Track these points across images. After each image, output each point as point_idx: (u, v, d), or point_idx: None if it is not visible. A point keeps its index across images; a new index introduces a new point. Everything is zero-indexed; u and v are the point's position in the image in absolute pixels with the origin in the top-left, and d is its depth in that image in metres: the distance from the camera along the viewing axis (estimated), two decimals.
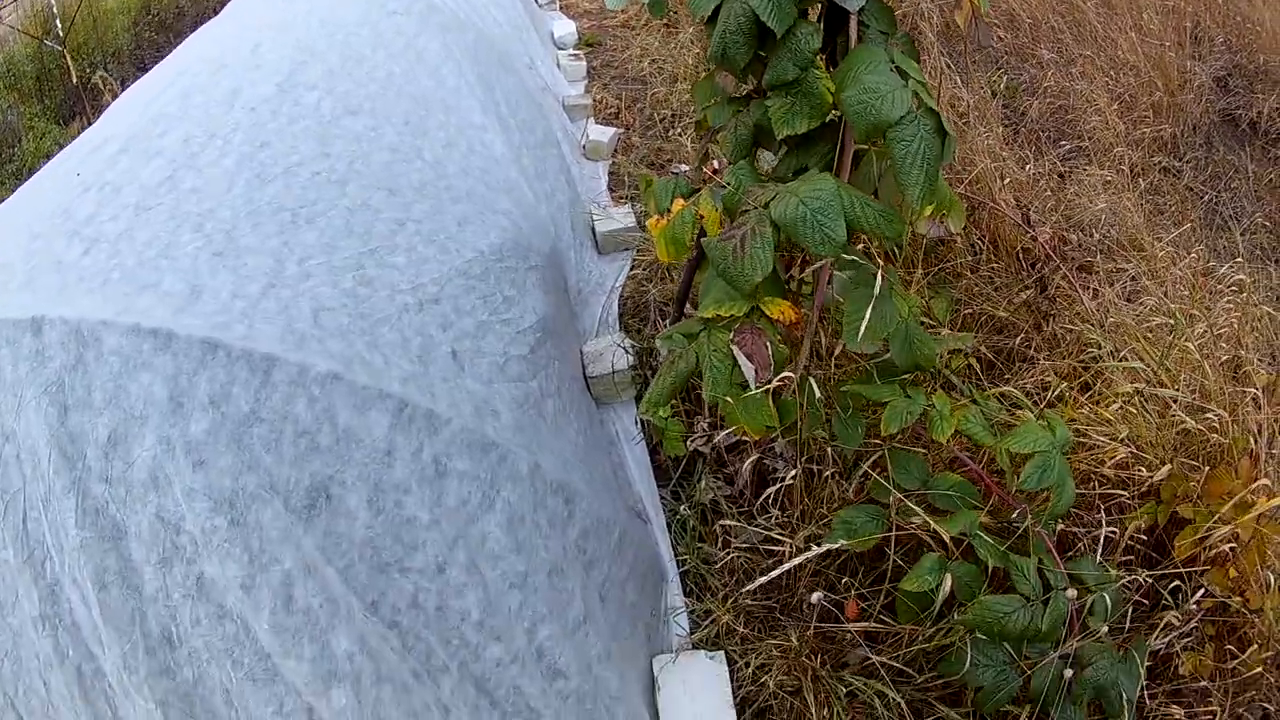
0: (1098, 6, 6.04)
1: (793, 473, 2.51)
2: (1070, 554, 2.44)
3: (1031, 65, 5.67)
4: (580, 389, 2.88)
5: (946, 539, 2.20)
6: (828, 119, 2.18)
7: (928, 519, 2.20)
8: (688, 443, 2.78)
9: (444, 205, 2.60)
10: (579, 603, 2.17)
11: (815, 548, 2.24)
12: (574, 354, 2.97)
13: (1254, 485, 2.36)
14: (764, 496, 2.61)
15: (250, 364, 1.79)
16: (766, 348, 2.21)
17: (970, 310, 3.57)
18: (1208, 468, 2.54)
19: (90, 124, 8.29)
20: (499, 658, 1.99)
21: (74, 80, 8.09)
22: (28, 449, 1.77)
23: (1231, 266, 3.61)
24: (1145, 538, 2.56)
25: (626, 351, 2.96)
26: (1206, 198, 4.92)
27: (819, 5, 2.17)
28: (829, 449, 2.56)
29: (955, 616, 2.21)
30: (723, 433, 2.69)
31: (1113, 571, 2.29)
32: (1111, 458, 2.64)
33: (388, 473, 1.87)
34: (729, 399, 2.18)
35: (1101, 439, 2.72)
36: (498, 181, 2.93)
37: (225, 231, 2.14)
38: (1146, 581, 2.39)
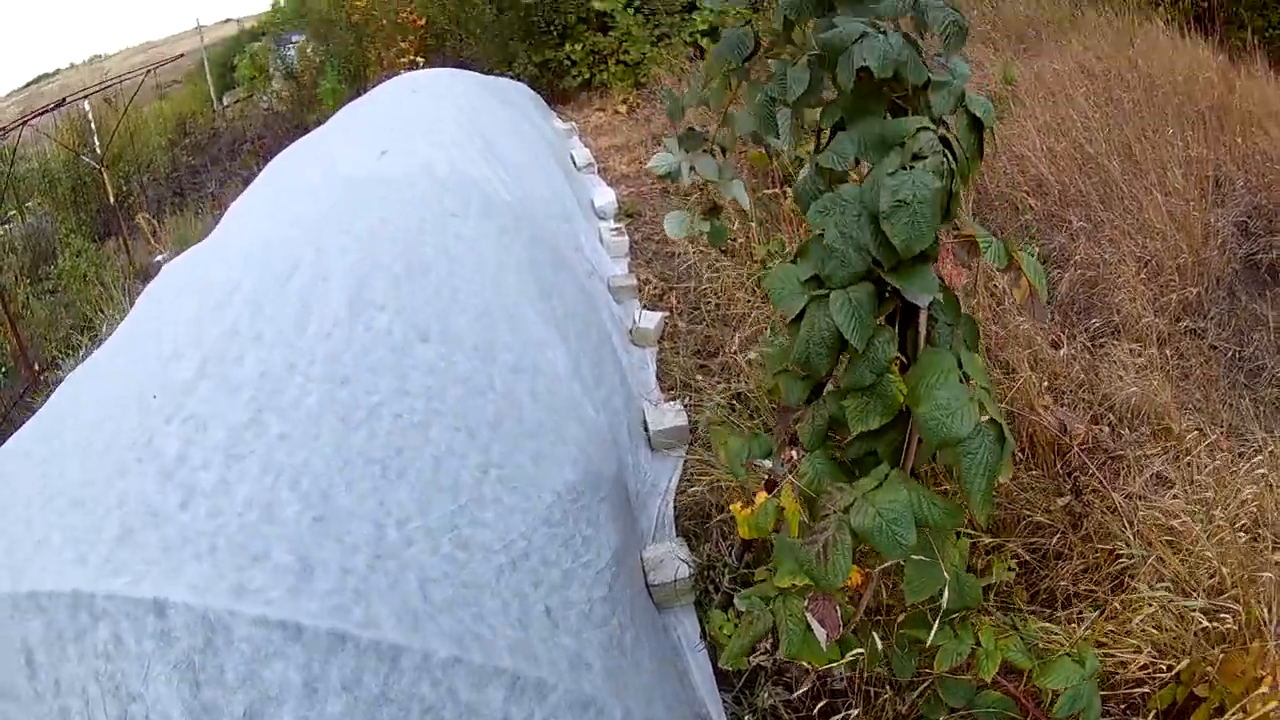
0: (1123, 164, 6.22)
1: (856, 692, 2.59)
2: None
3: (1061, 234, 5.83)
4: (644, 597, 2.96)
5: None
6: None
7: None
8: (750, 659, 2.85)
9: (519, 442, 2.69)
10: None
11: None
12: (636, 560, 3.03)
13: (1264, 663, 2.49)
14: (821, 707, 2.70)
15: (378, 653, 1.92)
16: (836, 612, 2.33)
17: (1009, 514, 3.66)
18: (1222, 653, 2.67)
19: (127, 248, 8.48)
20: None
21: (110, 199, 8.31)
22: (158, 713, 1.87)
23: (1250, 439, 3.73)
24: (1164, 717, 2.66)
25: (687, 564, 3.04)
26: (1229, 354, 5.04)
27: (894, 305, 2.28)
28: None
29: None
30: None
31: None
32: (1137, 662, 2.76)
33: None
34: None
35: (1129, 651, 2.83)
36: (563, 404, 3.02)
37: (321, 491, 2.23)
38: None
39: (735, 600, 2.41)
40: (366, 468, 2.33)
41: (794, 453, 2.47)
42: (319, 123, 7.48)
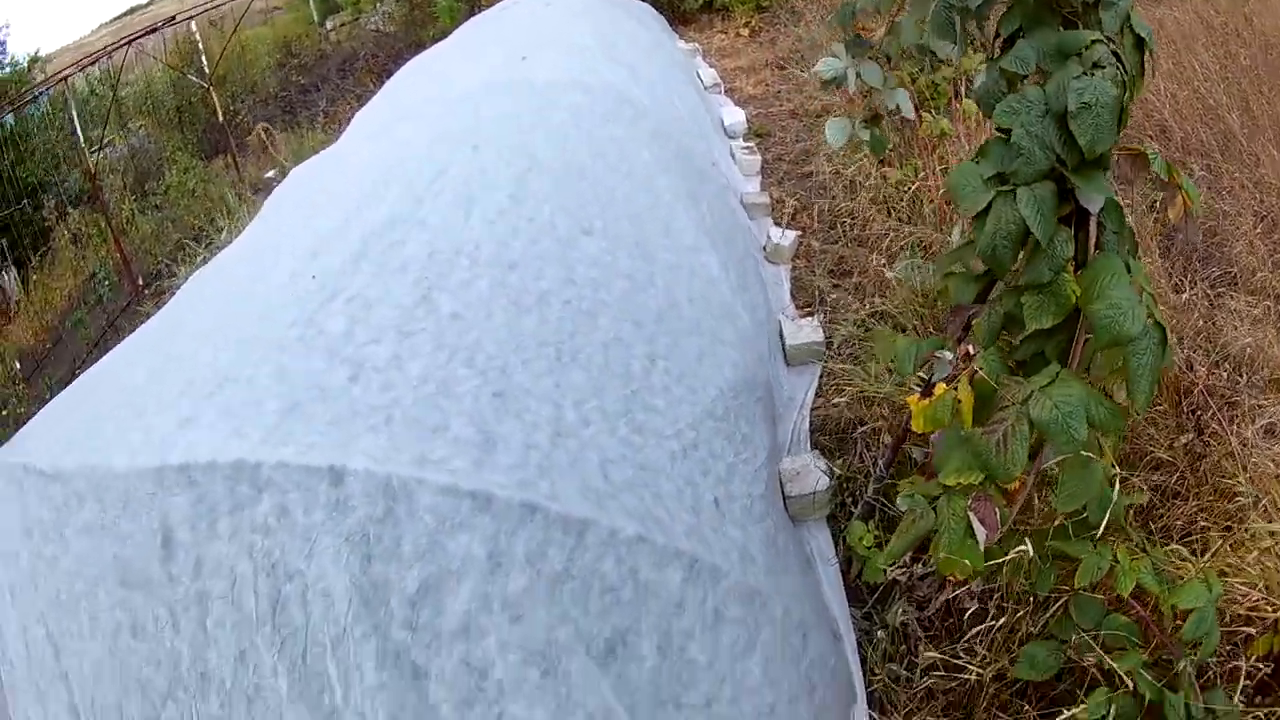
0: (1242, 118, 6.07)
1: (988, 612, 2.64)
2: (1202, 682, 2.60)
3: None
4: (780, 508, 2.97)
5: (1120, 672, 2.38)
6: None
7: (1105, 657, 2.41)
8: (887, 571, 2.90)
9: (681, 338, 2.72)
10: None
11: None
12: (775, 471, 3.05)
13: None
14: (952, 625, 2.74)
15: (565, 527, 1.87)
16: (995, 514, 2.37)
17: (1133, 449, 3.66)
18: None
19: (236, 164, 8.65)
20: None
21: (220, 118, 8.47)
22: (318, 591, 1.82)
23: None
24: (1262, 666, 2.68)
25: (826, 475, 3.09)
26: None
27: (1069, 208, 2.30)
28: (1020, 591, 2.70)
29: None
30: (920, 565, 2.83)
31: (1237, 703, 2.45)
32: (1249, 599, 2.76)
33: (677, 621, 1.97)
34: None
35: (1240, 586, 2.84)
36: (718, 308, 3.04)
37: (499, 368, 2.20)
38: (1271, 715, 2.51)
39: (898, 500, 2.45)
40: (540, 349, 2.31)
41: (969, 348, 2.50)
42: (436, 40, 7.54)
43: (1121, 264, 2.23)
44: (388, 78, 8.92)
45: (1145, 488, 3.53)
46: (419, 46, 8.98)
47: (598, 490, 2.01)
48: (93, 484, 2.03)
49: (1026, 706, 2.68)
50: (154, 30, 8.40)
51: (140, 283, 7.70)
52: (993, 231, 2.27)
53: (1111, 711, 2.35)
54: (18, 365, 7.34)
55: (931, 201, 4.43)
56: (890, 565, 2.94)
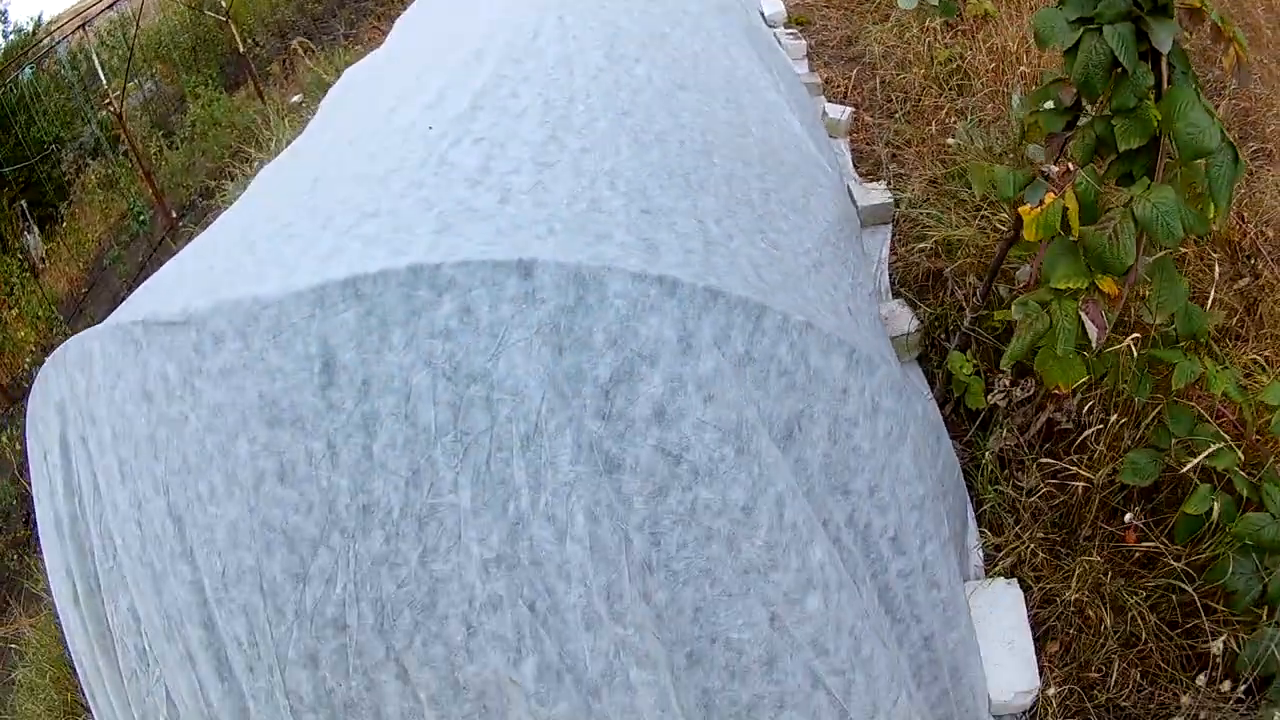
0: (1266, 15, 6.22)
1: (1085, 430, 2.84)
2: None
3: (1214, 66, 5.90)
4: None
5: (1217, 472, 2.63)
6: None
7: (1203, 460, 2.62)
8: (988, 397, 3.08)
9: (786, 177, 2.85)
10: (945, 525, 2.45)
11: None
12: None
13: None
14: (1051, 447, 2.97)
15: (745, 310, 1.92)
16: (1102, 315, 2.60)
17: (1196, 291, 3.85)
18: None
19: (259, 93, 8.62)
20: (900, 569, 2.27)
21: (241, 48, 8.48)
22: (506, 389, 1.82)
23: None
24: None
25: (917, 316, 3.27)
26: None
27: (1145, 47, 2.53)
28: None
29: (1219, 538, 2.66)
30: (1018, 389, 3.01)
31: None
32: None
33: (843, 408, 2.08)
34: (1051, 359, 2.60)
35: None
36: (807, 157, 3.17)
37: (639, 191, 2.24)
38: None
39: (1013, 306, 2.62)
40: (671, 179, 2.37)
41: (1068, 165, 2.67)
42: None
43: (1193, 93, 2.52)
44: None
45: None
46: None
47: (757, 286, 2.07)
48: (235, 320, 1.93)
49: (1129, 508, 2.82)
50: None
51: (174, 215, 7.77)
52: (1084, 63, 2.52)
53: (1215, 508, 2.57)
54: (55, 312, 7.42)
55: (979, 77, 4.55)
56: (990, 393, 3.13)
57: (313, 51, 7.53)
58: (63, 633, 2.69)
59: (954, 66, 4.67)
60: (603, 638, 1.88)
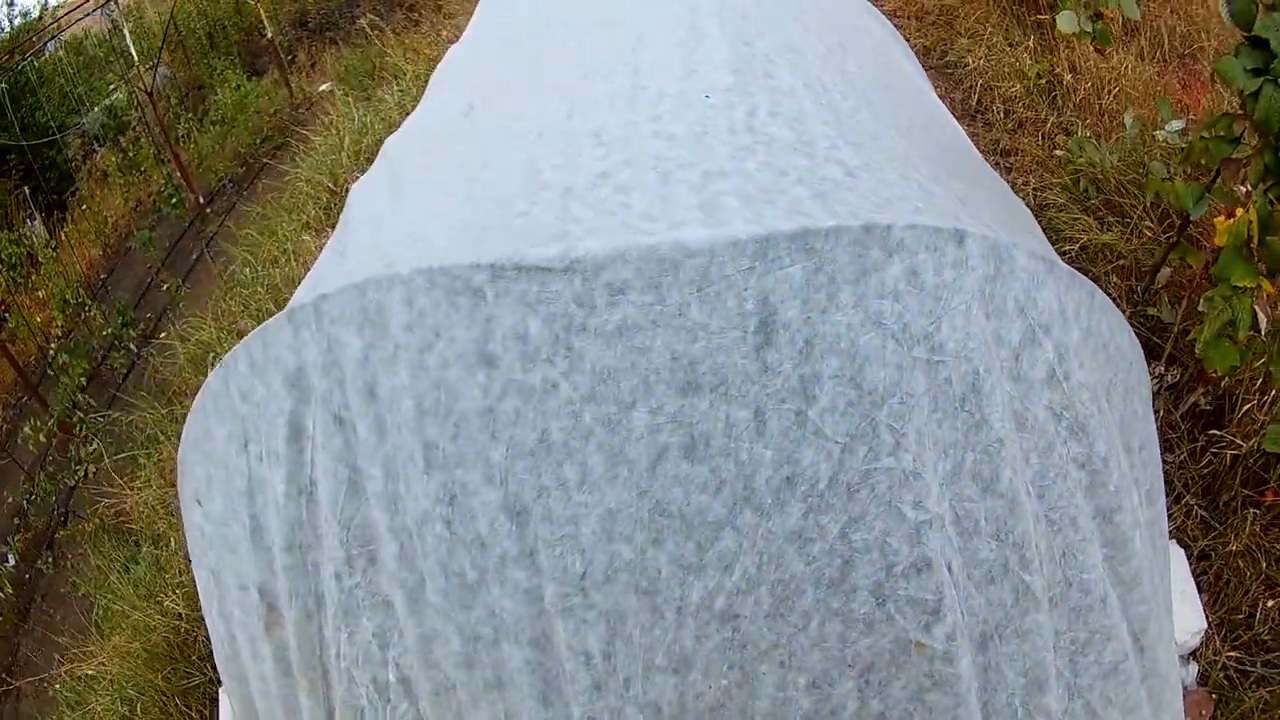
0: None
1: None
2: None
3: None
4: None
5: None
6: None
7: None
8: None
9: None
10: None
11: None
12: None
13: None
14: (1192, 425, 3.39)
15: (1084, 288, 2.11)
16: (1269, 309, 3.09)
17: None
18: None
19: (287, 81, 8.55)
20: (1149, 518, 2.37)
21: (269, 34, 8.38)
22: (947, 352, 1.82)
23: None
24: None
25: None
26: None
27: None
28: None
29: None
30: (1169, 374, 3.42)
31: None
32: None
33: (1129, 376, 2.35)
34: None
35: None
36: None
37: (935, 177, 2.31)
38: None
39: (1200, 301, 3.02)
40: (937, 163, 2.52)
41: (1245, 186, 3.04)
42: None
43: None
44: None
45: None
46: None
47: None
48: (646, 268, 1.74)
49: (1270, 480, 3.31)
50: None
51: (201, 200, 7.68)
52: (1265, 107, 2.88)
53: None
54: (84, 296, 7.25)
55: (1071, 95, 4.94)
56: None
57: (382, 30, 7.53)
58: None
59: (1044, 82, 5.04)
60: (1005, 589, 1.95)
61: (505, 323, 1.78)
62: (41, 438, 5.97)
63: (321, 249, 5.38)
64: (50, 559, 5.10)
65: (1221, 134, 3.14)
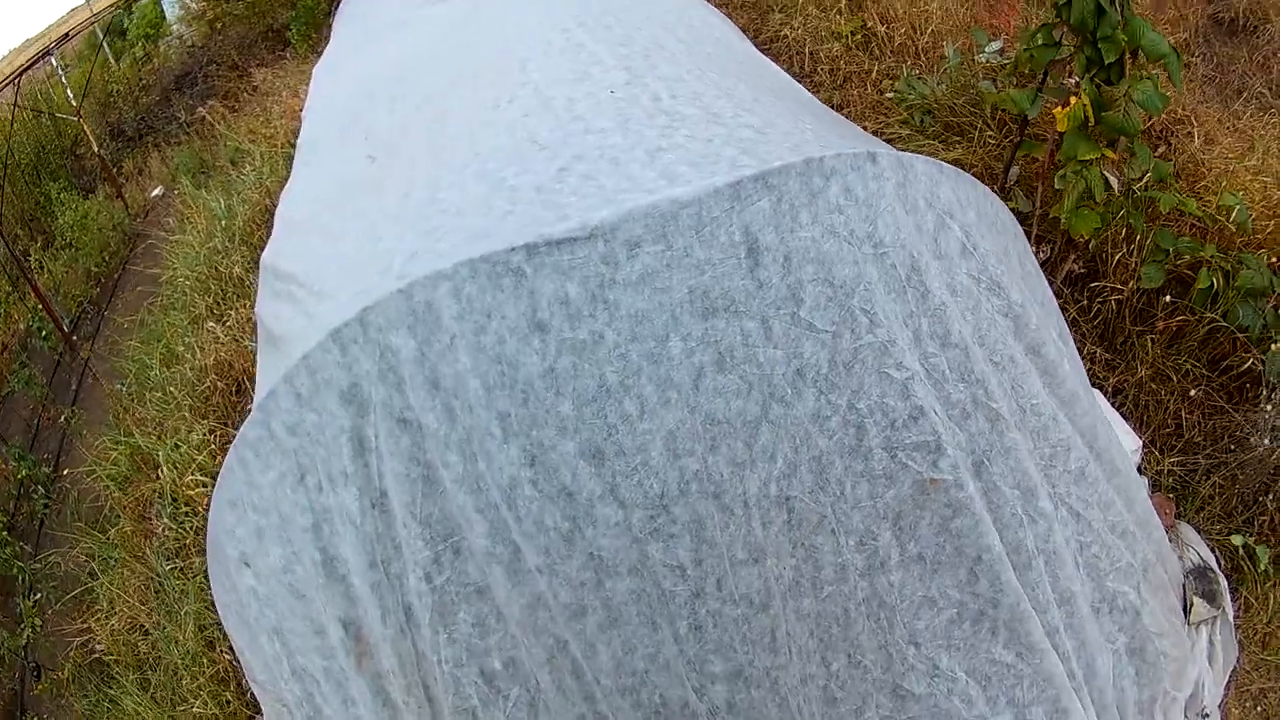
0: None
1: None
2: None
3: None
4: None
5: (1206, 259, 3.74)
6: None
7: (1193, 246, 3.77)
8: None
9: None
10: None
11: None
12: None
13: None
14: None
15: (967, 181, 2.56)
16: (1116, 173, 3.64)
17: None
18: None
19: (120, 192, 8.39)
20: (1070, 355, 2.88)
21: (96, 149, 8.16)
22: (888, 244, 2.24)
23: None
24: None
25: None
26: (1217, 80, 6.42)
27: None
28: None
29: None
30: (1042, 251, 3.97)
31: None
32: None
33: (1016, 243, 2.78)
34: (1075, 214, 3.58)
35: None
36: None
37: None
38: None
39: (1055, 179, 3.56)
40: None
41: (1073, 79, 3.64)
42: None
43: (1145, 23, 3.56)
44: (256, 67, 8.90)
45: None
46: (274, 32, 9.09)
47: None
48: (651, 223, 2.05)
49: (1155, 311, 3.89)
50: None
51: (67, 330, 7.46)
52: (1079, 11, 3.46)
53: (1213, 282, 3.66)
54: None
55: (887, 42, 5.55)
56: None
57: (218, 111, 7.55)
58: None
59: (859, 37, 5.65)
60: (981, 419, 2.42)
61: (547, 291, 2.04)
62: None
63: (230, 333, 5.47)
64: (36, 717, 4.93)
65: (1044, 42, 3.73)
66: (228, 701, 4.00)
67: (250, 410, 2.34)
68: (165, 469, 4.79)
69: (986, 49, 3.99)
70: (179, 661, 4.21)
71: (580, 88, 2.81)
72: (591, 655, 2.20)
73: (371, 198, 3.00)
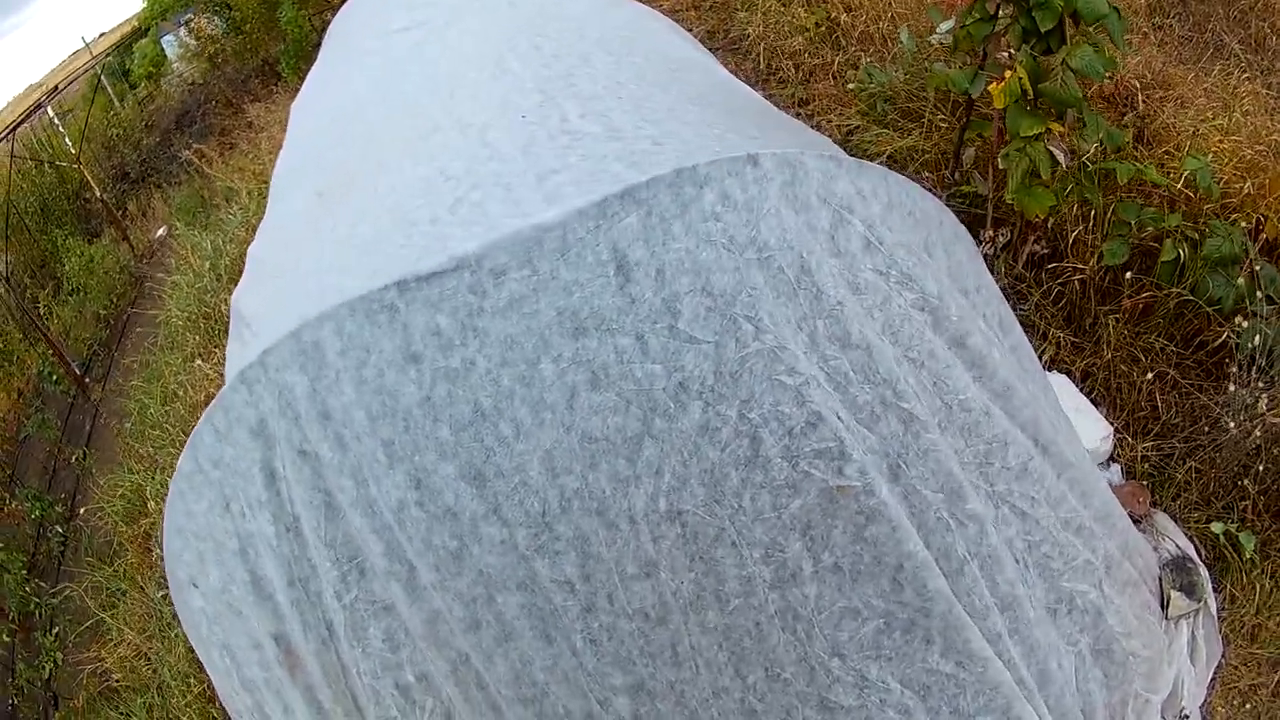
0: None
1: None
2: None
3: None
4: None
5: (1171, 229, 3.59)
6: None
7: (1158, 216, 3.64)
8: (981, 247, 3.88)
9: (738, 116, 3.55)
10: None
11: None
12: None
13: None
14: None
15: (880, 174, 2.44)
16: (1063, 147, 3.47)
17: None
18: None
19: (125, 235, 8.57)
20: (1012, 344, 2.76)
21: (99, 193, 8.38)
22: (773, 247, 2.15)
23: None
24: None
25: None
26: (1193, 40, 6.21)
27: None
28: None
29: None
30: (1001, 235, 3.85)
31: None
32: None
33: (940, 232, 2.63)
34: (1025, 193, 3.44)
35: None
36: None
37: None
38: None
39: (999, 159, 3.43)
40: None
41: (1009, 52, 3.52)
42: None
43: None
44: (250, 102, 9.08)
45: None
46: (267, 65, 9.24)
47: None
48: (516, 251, 2.07)
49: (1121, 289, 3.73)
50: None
51: (79, 372, 7.64)
52: None
53: (1179, 254, 3.51)
54: None
55: (850, 31, 5.45)
56: (979, 244, 3.94)
57: (206, 155, 7.69)
58: None
59: (823, 29, 5.55)
60: (892, 421, 2.33)
61: (419, 324, 2.09)
62: (4, 637, 5.96)
63: (218, 370, 5.56)
64: None
65: (979, 16, 3.62)
66: (214, 717, 4.19)
67: None
68: (153, 503, 4.92)
69: (939, 29, 3.87)
70: (170, 681, 4.44)
71: (501, 115, 2.81)
72: (490, 667, 2.27)
73: (310, 235, 3.08)
